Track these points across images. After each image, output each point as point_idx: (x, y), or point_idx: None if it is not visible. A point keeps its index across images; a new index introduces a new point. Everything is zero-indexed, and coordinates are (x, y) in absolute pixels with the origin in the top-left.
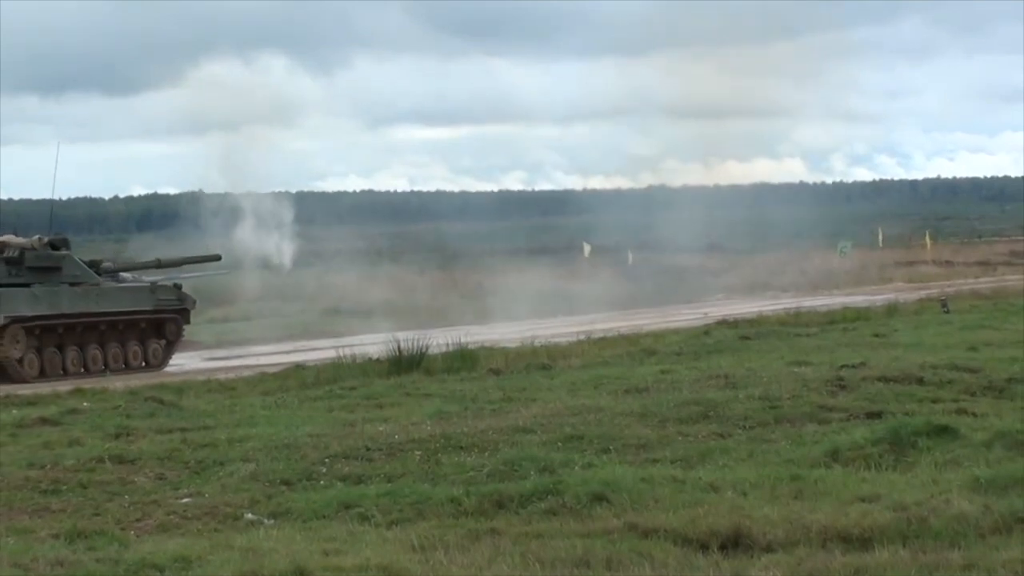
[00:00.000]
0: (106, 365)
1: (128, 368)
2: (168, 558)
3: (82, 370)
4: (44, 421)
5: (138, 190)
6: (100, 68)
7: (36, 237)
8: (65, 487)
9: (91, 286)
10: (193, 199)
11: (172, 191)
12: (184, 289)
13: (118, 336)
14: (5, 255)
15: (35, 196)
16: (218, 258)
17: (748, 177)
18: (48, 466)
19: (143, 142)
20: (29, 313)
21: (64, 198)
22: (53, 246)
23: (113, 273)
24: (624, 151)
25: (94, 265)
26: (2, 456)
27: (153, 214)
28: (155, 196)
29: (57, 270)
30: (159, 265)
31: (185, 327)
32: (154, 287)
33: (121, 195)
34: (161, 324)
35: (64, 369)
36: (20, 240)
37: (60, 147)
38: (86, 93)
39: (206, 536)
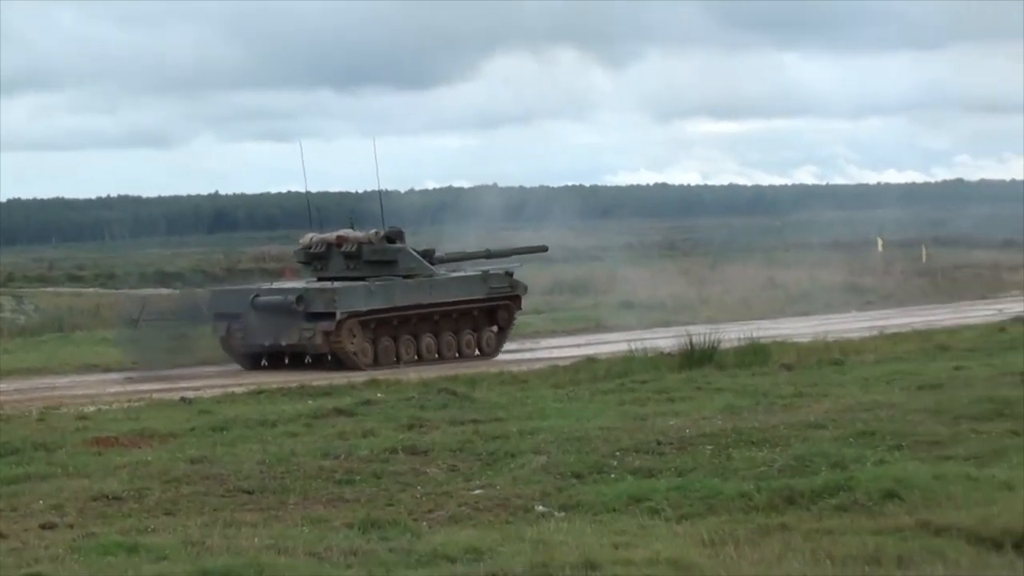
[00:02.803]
0: (439, 354)
1: (461, 356)
2: (460, 549)
3: (415, 359)
4: (339, 412)
5: (431, 183)
6: (394, 63)
7: (373, 231)
8: (359, 477)
9: (425, 278)
10: (487, 192)
11: (465, 184)
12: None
13: (452, 325)
14: (344, 249)
15: (332, 189)
16: (544, 249)
17: None
18: (343, 456)
19: (435, 136)
20: (364, 308)
21: (360, 191)
22: (389, 239)
23: (444, 262)
24: (917, 145)
25: (427, 255)
26: (298, 446)
27: (446, 206)
28: (449, 189)
29: (393, 263)
30: (489, 255)
31: (517, 314)
32: (486, 275)
33: (416, 188)
34: (494, 312)
35: (397, 357)
36: (357, 234)
37: (356, 141)
38: (380, 87)
39: (497, 528)
